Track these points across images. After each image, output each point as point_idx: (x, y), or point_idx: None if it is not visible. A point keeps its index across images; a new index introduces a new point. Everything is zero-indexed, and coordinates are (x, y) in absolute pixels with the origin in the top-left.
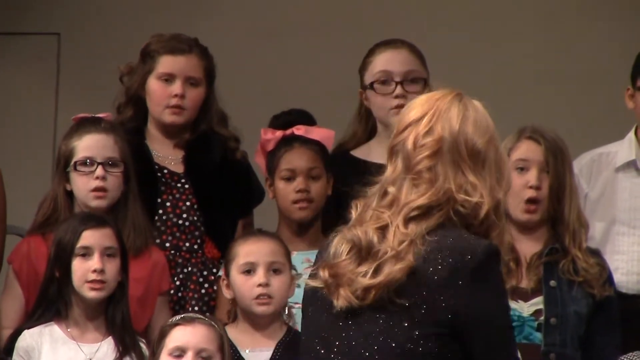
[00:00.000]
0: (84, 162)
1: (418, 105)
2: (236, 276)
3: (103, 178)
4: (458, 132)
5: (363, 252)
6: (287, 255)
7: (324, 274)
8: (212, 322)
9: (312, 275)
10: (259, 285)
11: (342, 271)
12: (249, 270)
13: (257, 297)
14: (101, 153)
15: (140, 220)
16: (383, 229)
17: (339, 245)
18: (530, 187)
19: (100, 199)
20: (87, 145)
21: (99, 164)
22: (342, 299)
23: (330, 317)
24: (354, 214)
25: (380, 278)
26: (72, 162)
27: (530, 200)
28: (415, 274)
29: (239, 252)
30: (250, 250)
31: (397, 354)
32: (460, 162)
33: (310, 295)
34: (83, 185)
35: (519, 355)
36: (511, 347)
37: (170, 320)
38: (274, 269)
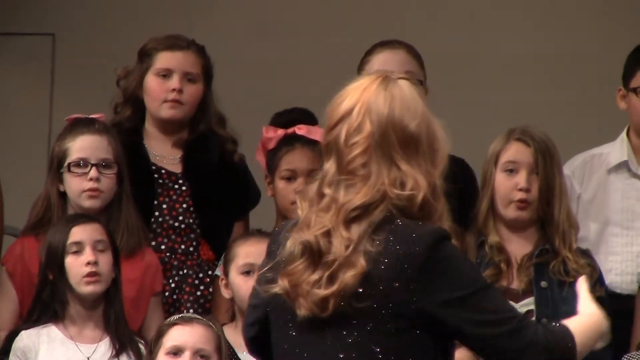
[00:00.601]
0: (77, 164)
1: (347, 97)
2: (235, 277)
3: (97, 179)
4: (386, 122)
5: (315, 258)
6: None
7: (283, 282)
8: (210, 323)
9: (270, 281)
10: None
11: (299, 280)
12: (249, 271)
13: None
14: (95, 154)
15: (133, 221)
16: (328, 235)
17: (292, 247)
18: (520, 190)
19: (94, 199)
20: (81, 146)
21: (92, 165)
22: (303, 309)
23: (296, 328)
24: (300, 213)
25: (334, 287)
26: (66, 163)
27: (520, 201)
28: (370, 276)
29: (239, 253)
30: (250, 252)
31: (368, 357)
32: (392, 154)
33: (272, 302)
34: (76, 186)
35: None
36: (497, 304)
37: (168, 319)
38: None
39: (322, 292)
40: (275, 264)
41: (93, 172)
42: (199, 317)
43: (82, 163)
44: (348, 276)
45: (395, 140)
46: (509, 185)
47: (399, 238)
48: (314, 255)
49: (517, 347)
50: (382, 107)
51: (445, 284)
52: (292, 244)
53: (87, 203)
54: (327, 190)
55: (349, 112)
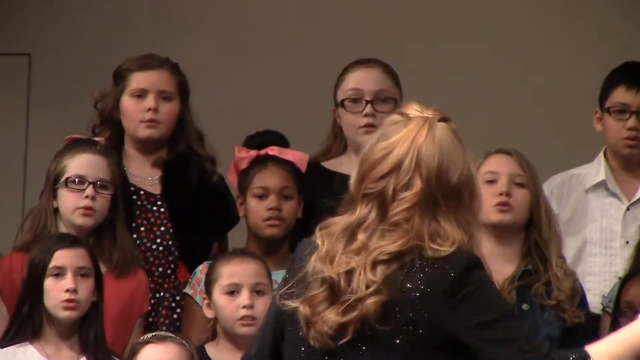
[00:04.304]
0: (74, 181)
1: (396, 147)
2: (219, 297)
3: (92, 198)
4: (435, 178)
5: (335, 295)
6: (269, 275)
7: (304, 309)
8: (184, 342)
9: (289, 295)
10: (244, 307)
11: (316, 311)
12: (233, 291)
13: (242, 318)
14: (93, 173)
15: (127, 244)
16: (350, 274)
17: (314, 275)
18: (500, 194)
19: (87, 217)
20: (80, 164)
21: (90, 183)
22: (316, 341)
23: (307, 354)
24: (319, 243)
25: (354, 313)
26: (64, 179)
27: (501, 204)
28: (394, 300)
29: (223, 273)
30: (234, 271)
31: None
32: (436, 210)
33: (290, 317)
34: (71, 202)
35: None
36: (521, 332)
37: (142, 337)
38: (257, 290)
39: (341, 319)
40: (299, 281)
41: (89, 190)
42: (173, 335)
43: (79, 180)
44: (369, 303)
45: (440, 196)
46: (489, 194)
47: (429, 264)
48: (334, 291)
49: None
50: (431, 163)
51: (474, 308)
52: (313, 272)
53: (80, 220)
54: (362, 236)
55: (398, 166)
